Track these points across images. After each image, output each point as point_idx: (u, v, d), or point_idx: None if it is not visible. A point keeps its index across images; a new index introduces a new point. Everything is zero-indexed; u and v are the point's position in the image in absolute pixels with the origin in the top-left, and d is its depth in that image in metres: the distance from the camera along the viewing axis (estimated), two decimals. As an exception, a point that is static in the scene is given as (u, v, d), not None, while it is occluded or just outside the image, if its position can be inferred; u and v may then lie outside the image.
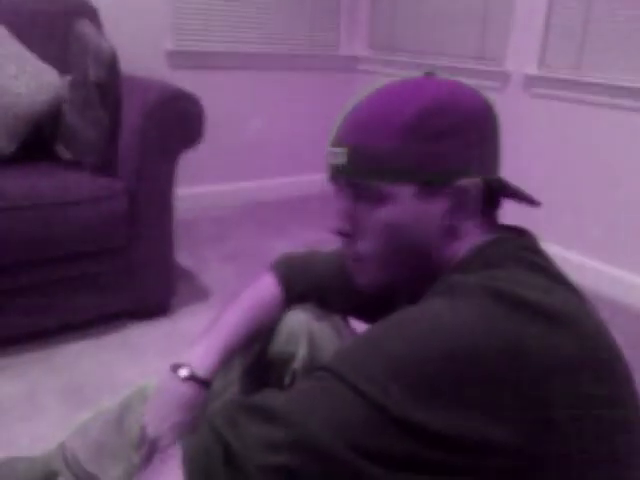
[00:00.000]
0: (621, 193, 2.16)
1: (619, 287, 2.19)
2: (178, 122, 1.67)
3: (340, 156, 0.66)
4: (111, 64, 1.68)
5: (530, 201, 0.68)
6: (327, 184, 3.38)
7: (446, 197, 0.64)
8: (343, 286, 0.90)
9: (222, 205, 3.01)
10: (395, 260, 0.67)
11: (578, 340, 0.54)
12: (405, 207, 0.64)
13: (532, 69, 2.38)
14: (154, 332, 1.76)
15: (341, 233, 0.69)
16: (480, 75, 2.56)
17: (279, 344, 0.87)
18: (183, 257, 2.34)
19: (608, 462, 0.53)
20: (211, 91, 2.81)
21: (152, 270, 1.77)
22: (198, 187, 2.91)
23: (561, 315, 0.54)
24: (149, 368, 1.57)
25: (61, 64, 1.88)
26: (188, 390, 0.78)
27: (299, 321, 0.88)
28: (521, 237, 0.66)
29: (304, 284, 0.92)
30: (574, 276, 2.21)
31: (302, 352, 0.85)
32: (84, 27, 1.81)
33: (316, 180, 3.33)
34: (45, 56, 1.88)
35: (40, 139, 1.84)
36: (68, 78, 1.79)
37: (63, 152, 1.79)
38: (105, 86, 1.68)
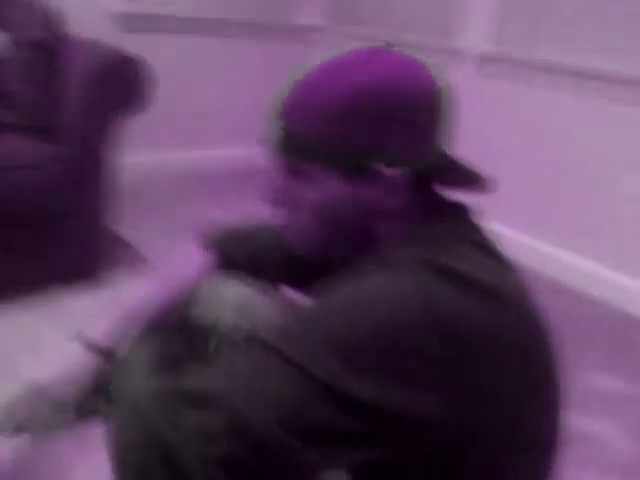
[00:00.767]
0: (571, 173, 2.20)
1: (562, 267, 2.26)
2: (122, 87, 1.64)
3: (277, 131, 0.68)
4: (55, 24, 1.63)
5: (476, 184, 0.68)
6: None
7: (372, 184, 0.64)
8: (279, 257, 0.91)
9: (171, 175, 2.95)
10: (322, 236, 0.69)
11: (502, 311, 0.56)
12: (332, 190, 0.65)
13: (486, 46, 2.39)
14: (84, 300, 1.73)
15: (275, 204, 0.71)
16: (433, 51, 2.57)
17: (205, 308, 0.88)
18: (126, 226, 2.28)
19: (518, 431, 0.56)
20: (161, 56, 2.73)
21: (87, 237, 1.73)
22: (148, 155, 2.84)
23: (491, 287, 0.56)
24: (73, 331, 1.54)
25: (2, 22, 1.81)
26: (76, 348, 0.81)
27: (225, 285, 0.89)
28: (460, 213, 0.67)
29: (238, 254, 0.93)
30: (520, 256, 2.26)
31: (229, 316, 0.86)
32: (26, -16, 1.75)
33: (260, 153, 3.30)
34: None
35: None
36: (9, 36, 1.73)
37: (4, 114, 1.74)
38: (49, 47, 1.63)
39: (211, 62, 2.95)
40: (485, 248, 0.63)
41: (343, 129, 0.62)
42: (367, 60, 0.65)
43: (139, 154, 2.79)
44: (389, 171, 0.63)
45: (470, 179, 0.68)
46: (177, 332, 0.89)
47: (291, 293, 0.96)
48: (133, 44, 2.48)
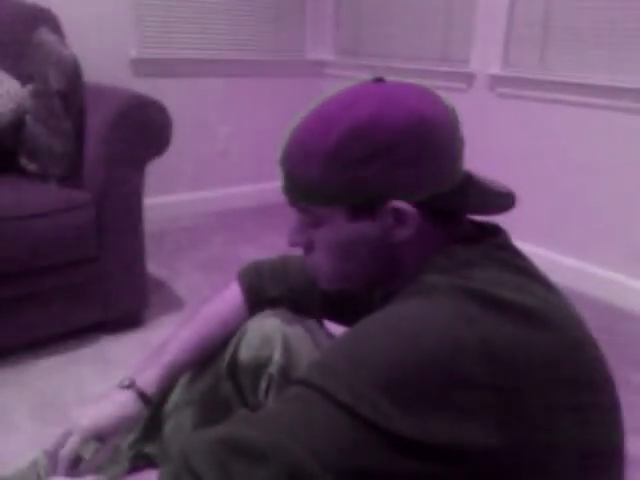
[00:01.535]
0: (589, 189, 2.19)
1: (589, 281, 2.22)
2: (144, 130, 1.65)
3: (281, 177, 0.68)
4: (73, 72, 1.65)
5: (499, 204, 0.67)
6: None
7: (381, 218, 0.63)
8: (315, 291, 0.89)
9: (192, 214, 2.98)
10: (342, 273, 0.68)
11: (552, 336, 0.54)
12: (339, 229, 0.64)
13: (496, 69, 2.41)
14: (126, 345, 1.73)
15: (294, 245, 0.72)
16: (445, 76, 2.59)
17: (252, 349, 0.86)
18: (155, 268, 2.30)
19: (579, 454, 0.53)
20: (177, 99, 2.78)
21: (123, 281, 1.73)
22: (167, 196, 2.87)
23: (534, 312, 0.54)
24: (118, 377, 1.54)
25: (22, 74, 1.84)
26: (123, 395, 0.80)
27: (272, 325, 0.87)
28: (493, 235, 0.65)
29: (273, 290, 0.91)
30: (549, 273, 2.23)
31: (277, 356, 0.84)
32: (45, 35, 1.78)
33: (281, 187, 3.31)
34: (5, 66, 1.84)
35: (3, 151, 1.80)
36: (30, 88, 1.76)
37: (27, 164, 1.75)
38: (68, 95, 1.65)
39: (225, 101, 2.99)
40: (525, 271, 0.62)
41: (340, 170, 0.61)
42: (362, 94, 0.63)
43: (161, 196, 2.81)
44: (392, 204, 0.61)
45: (497, 199, 0.67)
46: (226, 375, 0.87)
47: (334, 327, 0.93)
48: (150, 88, 2.52)
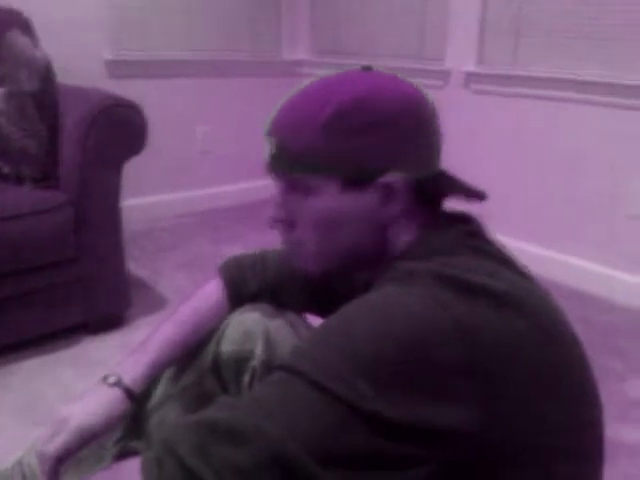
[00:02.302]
0: (561, 182, 2.23)
1: (567, 272, 2.26)
2: (119, 131, 1.64)
3: (269, 146, 0.67)
4: (46, 73, 1.64)
5: (473, 195, 0.69)
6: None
7: (371, 193, 0.63)
8: (295, 282, 0.89)
9: (173, 215, 2.96)
10: (328, 249, 0.67)
11: (526, 319, 0.55)
12: (331, 200, 0.64)
13: (471, 66, 2.43)
14: (109, 345, 1.72)
15: (275, 221, 0.70)
16: (421, 74, 2.61)
17: (234, 343, 0.86)
18: (137, 268, 2.28)
19: (560, 436, 0.54)
20: (153, 100, 2.76)
21: (104, 282, 1.72)
22: (148, 197, 2.85)
23: (507, 296, 0.55)
24: (101, 375, 1.54)
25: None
26: (111, 393, 0.79)
27: (253, 319, 0.87)
28: (465, 223, 0.67)
29: (253, 283, 0.91)
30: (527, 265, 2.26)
31: (259, 349, 0.84)
32: (16, 37, 1.76)
33: (264, 186, 3.31)
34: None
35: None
36: (1, 90, 1.73)
37: (1, 166, 1.73)
38: (40, 96, 1.63)
39: (203, 101, 2.97)
40: (498, 257, 0.63)
41: (339, 138, 0.62)
42: (356, 75, 0.66)
43: (142, 197, 2.79)
44: (386, 178, 0.62)
45: (465, 191, 0.68)
46: (209, 370, 0.87)
47: (314, 320, 0.94)
48: (125, 90, 2.50)
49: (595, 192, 2.15)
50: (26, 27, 2.01)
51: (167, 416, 0.87)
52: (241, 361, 0.85)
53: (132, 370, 0.81)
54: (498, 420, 0.50)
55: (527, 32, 2.24)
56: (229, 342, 0.86)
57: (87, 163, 1.60)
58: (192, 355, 0.89)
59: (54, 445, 0.72)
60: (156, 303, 2.00)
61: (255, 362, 0.84)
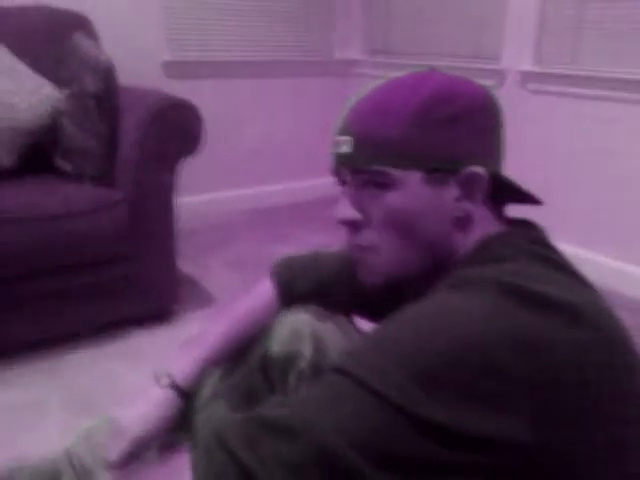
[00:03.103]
0: (623, 187, 2.15)
1: (621, 279, 2.18)
2: (176, 131, 1.68)
3: (346, 144, 0.66)
4: (108, 75, 1.69)
5: (532, 200, 0.68)
6: (331, 184, 3.37)
7: (454, 185, 0.63)
8: (347, 284, 0.89)
9: (223, 213, 3.02)
10: (403, 249, 0.66)
11: (589, 332, 0.53)
12: (413, 193, 0.63)
13: (528, 65, 2.38)
14: (157, 339, 1.76)
15: (347, 223, 0.68)
16: (477, 74, 2.57)
17: (282, 344, 0.87)
18: (186, 265, 2.34)
19: (615, 456, 0.52)
20: (208, 100, 2.82)
21: (155, 278, 1.77)
22: (198, 196, 2.91)
23: (572, 308, 0.53)
24: (151, 371, 1.58)
25: (59, 78, 1.89)
26: (165, 396, 0.81)
27: (302, 320, 0.87)
28: (530, 230, 0.65)
29: (304, 285, 0.92)
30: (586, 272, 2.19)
31: (307, 351, 0.85)
32: (80, 40, 1.82)
33: (315, 185, 3.33)
34: (42, 70, 1.89)
35: (40, 152, 1.85)
36: (66, 91, 1.80)
37: (63, 164, 1.80)
38: (103, 97, 1.69)
39: (256, 101, 3.02)
40: (560, 266, 0.61)
41: (425, 129, 0.62)
42: (431, 73, 0.67)
43: (194, 195, 2.85)
44: (470, 170, 0.63)
45: (526, 195, 0.68)
46: (256, 370, 0.88)
47: (363, 324, 0.94)
48: (182, 90, 2.57)
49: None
50: (89, 29, 2.09)
51: (214, 414, 0.88)
52: (288, 361, 0.86)
53: (185, 369, 0.83)
54: (550, 434, 0.49)
55: (587, 30, 2.17)
56: (277, 342, 0.87)
57: (144, 162, 1.65)
58: (241, 353, 0.90)
59: (117, 454, 0.76)
60: (203, 300, 2.04)
61: (303, 363, 0.84)
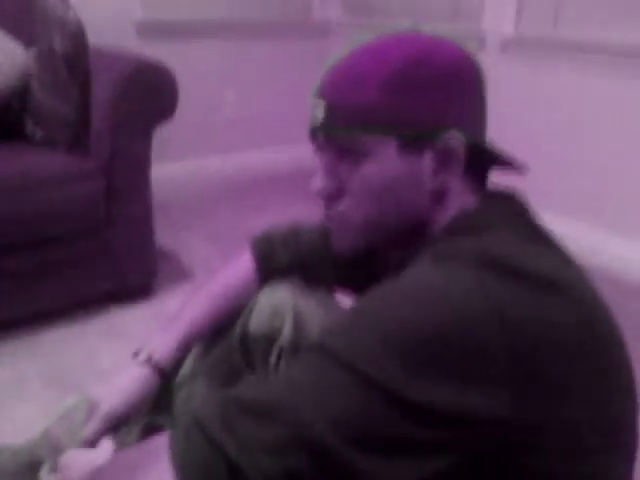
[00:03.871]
0: (604, 155, 2.15)
1: (602, 250, 2.21)
2: (150, 95, 1.63)
3: (320, 108, 0.64)
4: (78, 35, 1.62)
5: (517, 167, 0.67)
6: (310, 153, 3.32)
7: (429, 153, 0.62)
8: (327, 257, 0.88)
9: (199, 182, 2.96)
10: (379, 219, 0.65)
11: (570, 307, 0.53)
12: (388, 163, 0.62)
13: (509, 29, 2.34)
14: (136, 315, 1.74)
15: (323, 192, 0.67)
16: (456, 36, 2.52)
17: (262, 320, 0.86)
18: (163, 237, 2.29)
19: (599, 429, 0.53)
20: (182, 62, 2.73)
21: (132, 251, 1.73)
22: (173, 164, 2.85)
23: (555, 282, 0.53)
24: (130, 347, 1.57)
25: (25, 37, 1.81)
26: (143, 372, 0.80)
27: (282, 296, 0.86)
28: (511, 200, 0.64)
29: (284, 258, 0.91)
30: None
31: (288, 327, 0.84)
32: (47, -2, 1.74)
33: (294, 154, 3.29)
34: (8, 29, 1.81)
35: (8, 118, 1.78)
36: (34, 51, 1.73)
37: (33, 131, 1.73)
38: (73, 59, 1.62)
39: (231, 65, 2.94)
40: (544, 239, 0.61)
41: (399, 95, 0.60)
42: (410, 35, 0.64)
43: (167, 164, 2.79)
44: (445, 139, 0.61)
45: (510, 163, 0.67)
46: (236, 347, 0.87)
47: (344, 297, 0.93)
48: (155, 51, 2.48)
49: None
50: (57, -13, 1.99)
51: (194, 392, 0.88)
52: (269, 339, 0.85)
53: (163, 346, 0.82)
54: (531, 411, 0.49)
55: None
56: (257, 319, 0.86)
57: (118, 128, 1.60)
58: (221, 330, 0.90)
59: (87, 431, 0.75)
60: (181, 274, 2.01)
61: (283, 340, 0.84)
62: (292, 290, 0.87)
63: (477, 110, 0.65)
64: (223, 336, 0.89)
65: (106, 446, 0.71)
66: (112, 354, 1.55)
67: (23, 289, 1.56)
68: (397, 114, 0.61)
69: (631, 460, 0.58)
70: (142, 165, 1.68)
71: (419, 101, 0.60)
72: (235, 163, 3.09)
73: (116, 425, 0.77)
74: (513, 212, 0.62)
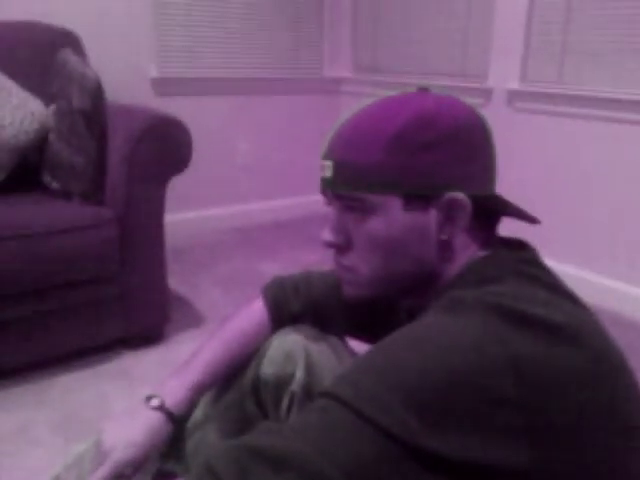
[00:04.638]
0: (607, 204, 2.17)
1: (611, 297, 2.19)
2: (165, 148, 1.67)
3: (327, 169, 0.67)
4: (96, 92, 1.67)
5: (528, 218, 0.68)
6: (321, 202, 3.37)
7: (434, 210, 0.63)
8: (339, 304, 0.89)
9: (212, 230, 3.00)
10: (385, 272, 0.66)
11: (582, 353, 0.53)
12: (392, 219, 0.63)
13: (514, 84, 2.40)
14: (148, 360, 1.73)
15: (331, 245, 0.69)
16: (463, 92, 2.59)
17: (274, 366, 0.85)
18: (175, 283, 2.31)
19: (610, 473, 0.52)
20: (197, 117, 2.81)
21: (145, 297, 1.74)
22: (187, 213, 2.89)
23: (563, 329, 0.53)
24: (141, 393, 1.55)
25: (46, 94, 1.88)
26: (154, 417, 0.78)
27: (294, 341, 0.86)
28: (520, 250, 0.65)
29: (296, 305, 0.91)
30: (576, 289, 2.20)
31: (300, 373, 0.83)
32: (67, 56, 1.81)
33: (304, 202, 3.33)
34: (29, 86, 1.88)
35: (27, 169, 1.83)
36: (53, 107, 1.79)
37: (50, 182, 1.78)
38: (90, 114, 1.67)
39: (245, 119, 3.02)
40: (554, 287, 0.61)
41: (404, 155, 0.62)
42: (414, 96, 0.66)
43: (181, 212, 2.84)
44: (450, 195, 0.62)
45: (519, 214, 0.67)
46: (248, 393, 0.86)
47: (356, 345, 0.93)
48: (170, 107, 2.57)
49: (644, 214, 2.08)
50: (77, 46, 2.08)
51: (206, 437, 0.86)
52: (281, 384, 0.84)
53: (176, 392, 0.81)
54: (548, 455, 0.48)
55: (573, 50, 2.20)
56: (269, 364, 0.86)
57: (133, 179, 1.63)
58: (233, 376, 0.89)
59: (98, 478, 0.73)
60: (194, 319, 2.01)
61: (295, 386, 0.83)
62: (304, 336, 0.87)
63: (484, 166, 0.66)
64: (235, 382, 0.88)
65: None
66: (123, 399, 1.53)
67: (34, 333, 1.57)
68: (402, 173, 0.62)
69: None
70: (156, 214, 1.71)
71: (424, 161, 0.62)
72: (245, 213, 3.13)
73: (127, 472, 0.76)
74: (520, 260, 0.63)
